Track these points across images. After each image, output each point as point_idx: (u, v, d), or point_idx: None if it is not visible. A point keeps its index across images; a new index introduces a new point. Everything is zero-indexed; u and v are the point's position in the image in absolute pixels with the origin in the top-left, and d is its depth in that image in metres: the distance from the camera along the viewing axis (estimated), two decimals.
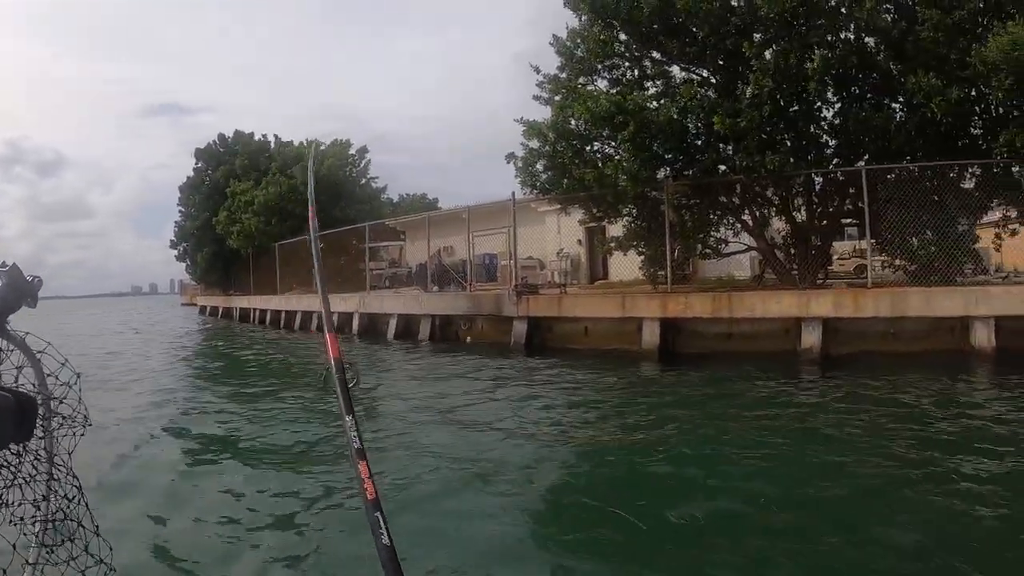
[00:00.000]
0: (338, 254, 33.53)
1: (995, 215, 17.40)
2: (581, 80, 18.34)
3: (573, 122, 16.98)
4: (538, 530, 5.94)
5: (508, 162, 18.35)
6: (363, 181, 45.99)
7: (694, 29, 16.35)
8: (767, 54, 15.20)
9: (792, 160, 15.98)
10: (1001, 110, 15.62)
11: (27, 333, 1.81)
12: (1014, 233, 16.84)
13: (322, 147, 45.21)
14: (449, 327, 21.61)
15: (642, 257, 18.92)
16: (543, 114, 18.31)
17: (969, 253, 16.47)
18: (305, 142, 46.54)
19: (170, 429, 10.53)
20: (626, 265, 20.38)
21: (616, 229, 19.63)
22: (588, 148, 17.48)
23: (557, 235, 26.70)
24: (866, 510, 6.03)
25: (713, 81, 17.33)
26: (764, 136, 15.72)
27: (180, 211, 57.41)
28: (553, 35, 18.63)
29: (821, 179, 17.70)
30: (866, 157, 16.10)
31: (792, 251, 18.15)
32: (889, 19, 15.77)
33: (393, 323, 23.36)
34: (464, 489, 6.95)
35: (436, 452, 8.20)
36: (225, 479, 7.63)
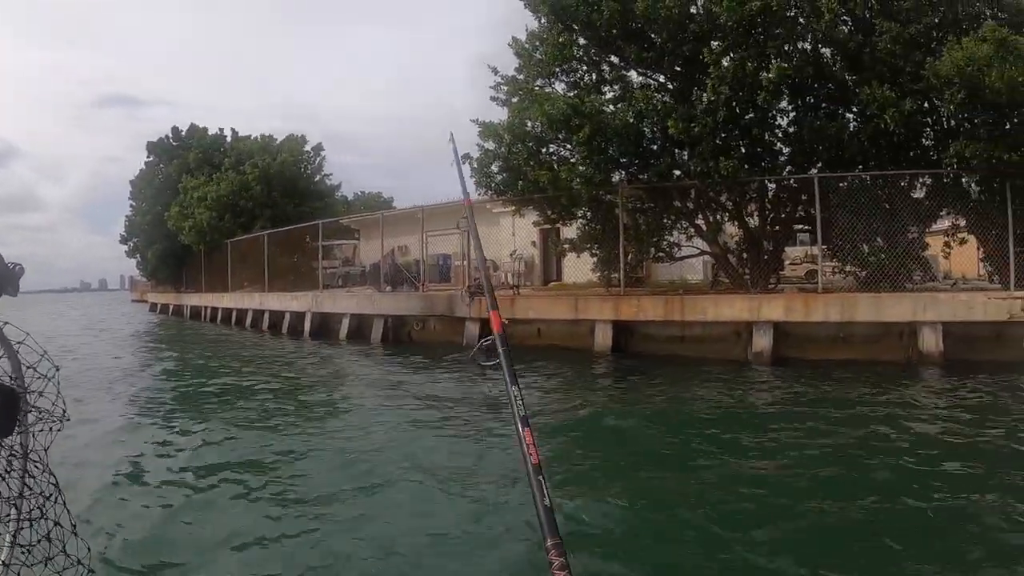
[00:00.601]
0: (291, 252, 33.18)
1: (944, 224, 17.84)
2: (539, 83, 18.33)
3: (529, 124, 16.99)
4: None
5: (463, 162, 18.23)
6: (318, 178, 45.42)
7: (652, 35, 16.44)
8: (724, 61, 15.30)
9: (746, 166, 16.23)
10: (952, 122, 16.02)
11: (5, 323, 1.75)
12: (963, 242, 17.24)
13: (276, 142, 44.74)
14: (402, 327, 21.48)
15: (595, 259, 18.98)
16: (501, 115, 18.28)
17: (918, 260, 16.91)
18: (260, 137, 45.87)
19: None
20: (580, 267, 20.44)
21: (570, 231, 19.68)
22: (544, 150, 17.49)
23: (512, 236, 26.68)
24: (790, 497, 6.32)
25: (670, 87, 17.43)
26: (719, 142, 15.84)
27: (131, 205, 56.18)
28: (512, 37, 18.66)
29: (774, 186, 17.91)
30: (819, 165, 16.35)
31: (744, 256, 18.32)
32: (846, 31, 16.02)
33: (346, 323, 23.15)
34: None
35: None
36: (202, 477, 7.54)
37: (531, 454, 1.99)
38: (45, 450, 1.89)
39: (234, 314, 33.43)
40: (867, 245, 16.43)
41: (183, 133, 51.68)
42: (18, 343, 1.80)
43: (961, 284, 18.87)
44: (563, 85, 18.37)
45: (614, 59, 18.03)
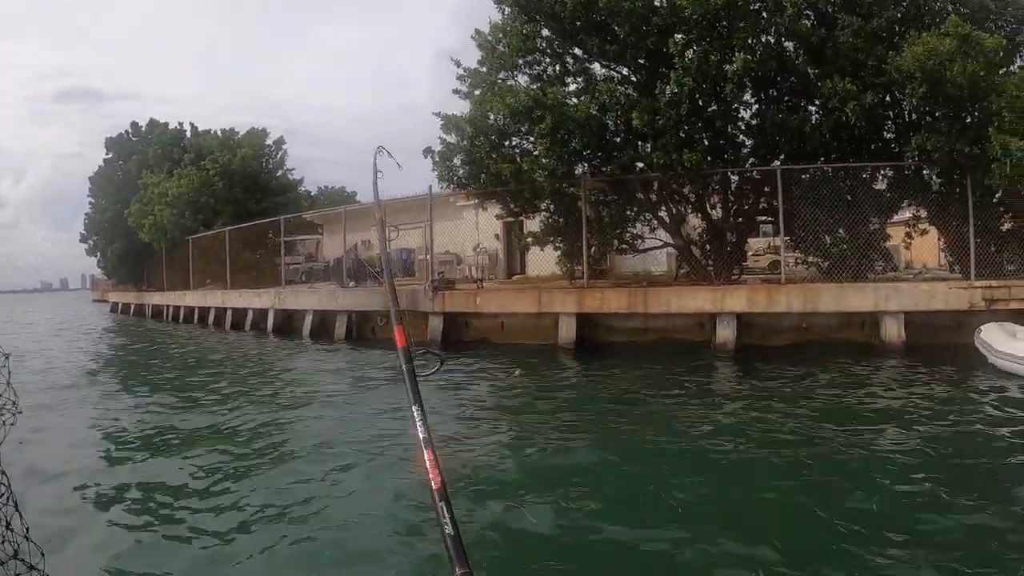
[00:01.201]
0: (254, 248, 32.76)
1: (906, 215, 18.04)
2: (502, 75, 18.19)
3: (492, 116, 16.83)
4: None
5: (426, 156, 18.07)
6: (280, 173, 44.76)
7: (616, 27, 16.35)
8: (688, 54, 15.27)
9: (709, 159, 16.27)
10: (914, 116, 16.21)
11: None
12: (924, 232, 17.48)
13: (237, 136, 44.11)
14: (366, 323, 21.26)
15: (559, 252, 18.89)
16: (464, 108, 18.10)
17: (880, 251, 17.15)
18: (221, 132, 45.14)
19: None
20: (544, 260, 20.36)
21: (534, 224, 19.59)
22: (506, 143, 17.36)
23: (475, 230, 26.51)
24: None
25: (633, 79, 17.39)
26: (682, 134, 15.83)
27: (91, 203, 55.14)
28: (476, 29, 18.50)
29: (737, 178, 18.03)
30: (782, 157, 16.39)
31: (708, 247, 18.38)
32: (809, 24, 16.05)
33: (309, 319, 22.87)
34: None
35: None
36: (156, 478, 7.37)
37: (434, 478, 1.86)
38: None
39: (196, 312, 32.95)
40: (829, 236, 16.60)
41: (143, 128, 50.86)
42: None
43: (923, 274, 19.06)
44: (526, 78, 18.31)
45: (578, 51, 17.94)
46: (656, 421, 9.38)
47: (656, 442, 8.18)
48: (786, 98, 17.05)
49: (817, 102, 16.40)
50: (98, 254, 55.73)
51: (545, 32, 17.56)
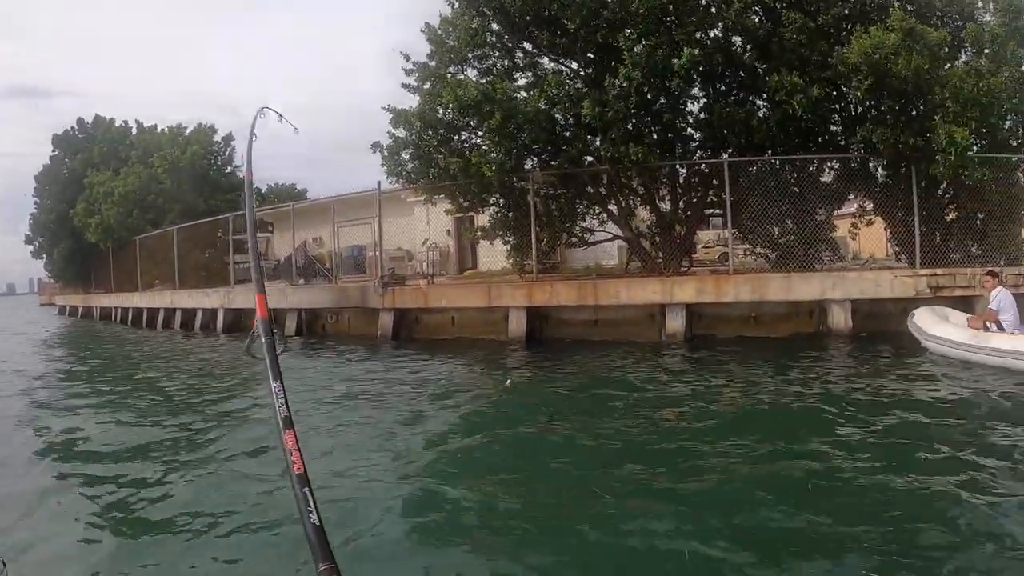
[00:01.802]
0: (203, 247, 32.20)
1: (852, 206, 18.29)
2: (451, 69, 18.06)
3: (441, 110, 16.69)
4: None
5: (374, 151, 17.85)
6: (228, 170, 43.88)
7: (565, 21, 16.29)
8: (637, 48, 15.28)
9: (658, 152, 16.40)
10: (859, 109, 16.51)
11: None
12: (870, 223, 17.75)
13: (185, 133, 43.32)
14: (316, 321, 21.04)
15: (509, 246, 18.82)
16: (413, 103, 17.93)
17: (827, 241, 17.48)
18: (168, 129, 44.29)
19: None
20: (495, 255, 20.27)
21: (484, 219, 19.48)
22: (455, 137, 17.23)
23: (426, 225, 26.35)
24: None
25: (582, 73, 17.38)
26: (630, 128, 15.88)
27: (36, 203, 53.79)
28: (425, 23, 18.34)
29: (685, 170, 18.14)
30: (730, 150, 16.45)
31: (657, 240, 18.45)
32: (756, 20, 16.25)
33: None
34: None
35: None
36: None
37: (294, 461, 1.68)
38: None
39: (145, 314, 32.28)
40: (777, 227, 16.89)
41: (89, 125, 49.81)
42: None
43: (871, 264, 19.36)
44: (476, 72, 18.16)
45: (527, 46, 17.91)
46: (574, 412, 9.46)
47: (572, 434, 8.20)
48: (734, 92, 17.28)
49: (764, 96, 16.52)
50: (44, 256, 54.52)
51: (495, 26, 17.49)
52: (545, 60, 17.93)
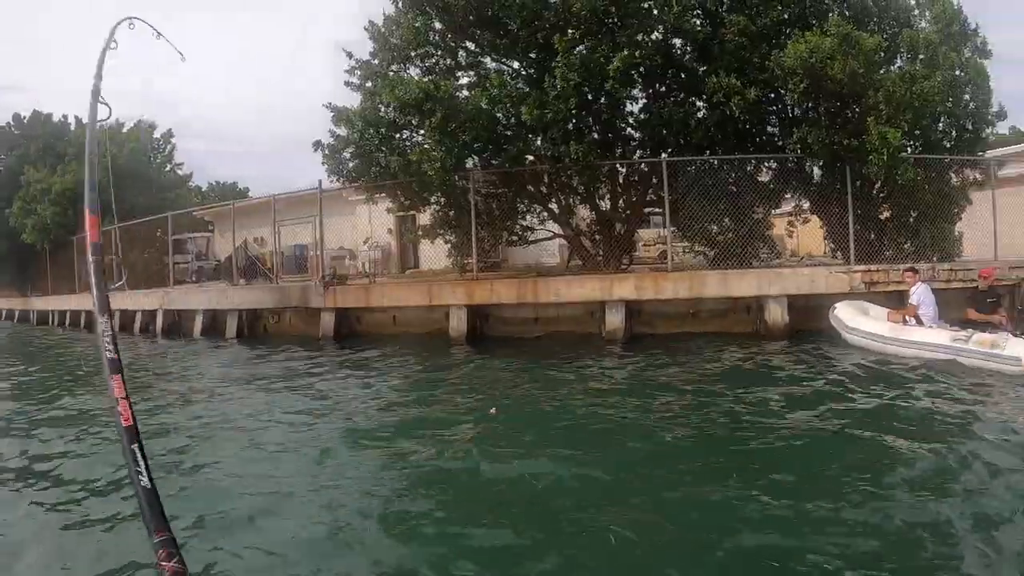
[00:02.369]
0: (142, 248, 31.54)
1: (789, 205, 18.63)
2: (394, 67, 18.00)
3: (383, 109, 16.59)
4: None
5: (315, 150, 17.69)
6: (168, 168, 43.14)
7: (507, 21, 16.33)
8: (578, 49, 15.35)
9: (598, 151, 16.51)
10: (796, 111, 16.84)
11: None
12: (807, 221, 18.10)
13: (124, 130, 42.20)
14: (257, 321, 20.73)
15: (450, 245, 18.78)
16: (356, 101, 17.80)
17: (764, 239, 17.86)
18: (105, 126, 43.05)
19: None
20: (437, 253, 20.17)
21: (425, 218, 19.39)
22: (397, 136, 17.12)
23: (368, 224, 26.16)
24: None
25: (524, 73, 17.41)
26: (570, 127, 16.00)
27: None
28: (369, 20, 18.29)
29: (625, 169, 18.31)
30: (669, 150, 16.60)
31: (597, 238, 18.62)
32: (697, 23, 16.43)
33: (199, 319, 22.10)
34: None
35: None
36: None
37: (121, 412, 1.46)
38: None
39: (83, 316, 31.53)
40: (716, 225, 17.15)
41: (25, 121, 48.52)
42: None
43: (807, 261, 19.71)
44: (418, 70, 18.09)
45: (470, 45, 17.92)
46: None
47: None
48: (674, 93, 17.54)
49: (703, 97, 16.71)
50: None
51: (438, 25, 17.43)
52: (488, 60, 17.97)
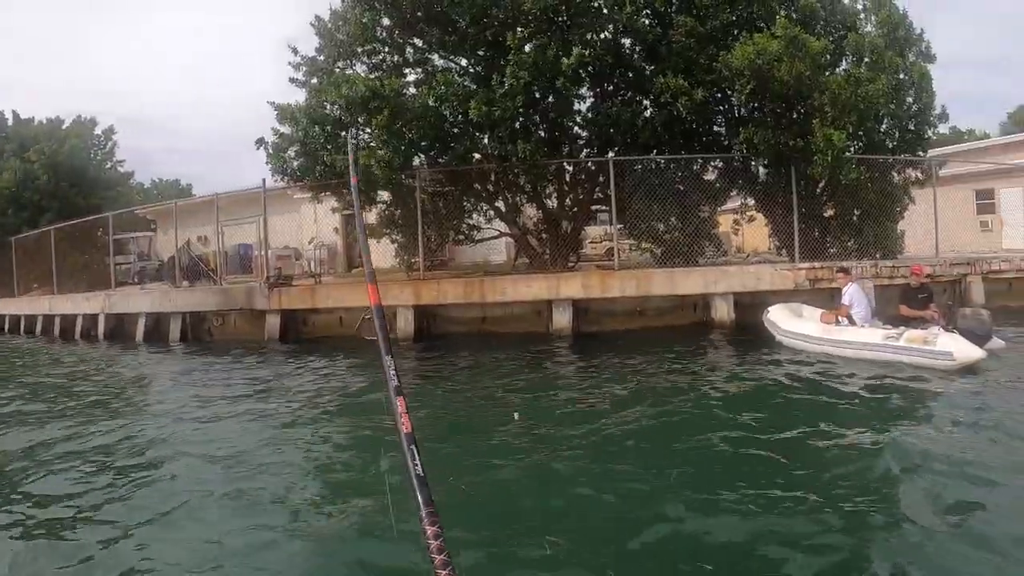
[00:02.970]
0: (82, 248, 30.74)
1: (735, 203, 18.77)
2: (340, 64, 17.77)
3: (328, 107, 16.33)
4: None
5: (259, 148, 17.36)
6: (109, 165, 41.83)
7: (456, 19, 16.21)
8: (527, 47, 15.29)
9: (545, 149, 16.50)
10: (742, 111, 17.11)
11: None
12: (752, 219, 18.30)
13: (64, 126, 41.15)
14: (201, 324, 20.24)
15: (396, 244, 18.60)
16: (301, 98, 17.52)
17: (710, 237, 18.08)
18: (45, 121, 41.96)
19: None
20: (383, 253, 19.97)
21: (372, 217, 19.17)
22: (342, 134, 16.88)
23: (314, 223, 25.86)
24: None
25: (472, 71, 17.30)
26: (517, 126, 15.99)
27: None
28: (316, 15, 18.03)
29: (572, 168, 18.34)
30: (616, 149, 16.64)
31: (544, 236, 18.65)
32: (647, 23, 16.57)
33: (142, 323, 21.52)
34: None
35: None
36: None
37: (404, 423, 2.07)
38: None
39: (23, 321, 30.59)
40: (662, 224, 17.27)
41: None
42: None
43: (753, 258, 19.91)
44: (365, 67, 17.91)
45: (418, 42, 17.75)
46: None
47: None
48: (622, 92, 17.70)
49: (651, 97, 16.90)
50: None
51: (385, 21, 17.21)
52: (435, 57, 17.79)
